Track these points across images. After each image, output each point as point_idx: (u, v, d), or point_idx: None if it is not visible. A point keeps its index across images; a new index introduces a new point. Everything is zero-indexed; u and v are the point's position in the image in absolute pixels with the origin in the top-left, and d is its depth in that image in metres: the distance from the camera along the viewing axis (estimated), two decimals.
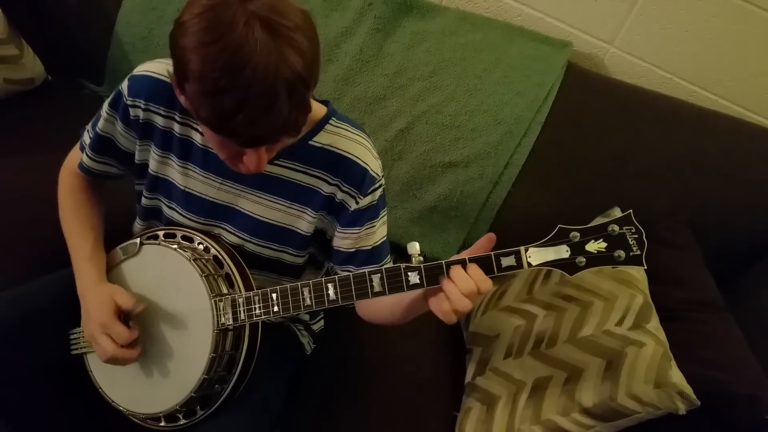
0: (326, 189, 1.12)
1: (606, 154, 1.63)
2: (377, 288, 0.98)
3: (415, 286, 0.97)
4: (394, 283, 0.97)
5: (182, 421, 1.13)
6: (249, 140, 0.91)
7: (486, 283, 0.93)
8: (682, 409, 1.12)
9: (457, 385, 1.48)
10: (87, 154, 1.19)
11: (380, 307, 1.14)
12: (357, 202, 1.12)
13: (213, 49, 0.83)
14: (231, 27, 0.82)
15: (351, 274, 1.00)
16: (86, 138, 1.20)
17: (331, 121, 1.12)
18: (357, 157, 1.10)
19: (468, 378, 1.46)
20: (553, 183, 1.68)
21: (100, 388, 1.20)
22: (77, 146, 1.23)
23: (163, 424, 1.15)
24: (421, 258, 0.97)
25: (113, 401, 1.18)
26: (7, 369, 1.14)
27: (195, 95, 0.87)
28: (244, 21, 0.82)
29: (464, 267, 0.94)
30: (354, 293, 1.00)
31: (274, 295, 1.06)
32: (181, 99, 0.93)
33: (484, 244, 0.95)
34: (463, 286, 0.92)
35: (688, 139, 1.59)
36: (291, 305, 1.05)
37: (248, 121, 0.86)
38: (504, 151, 1.65)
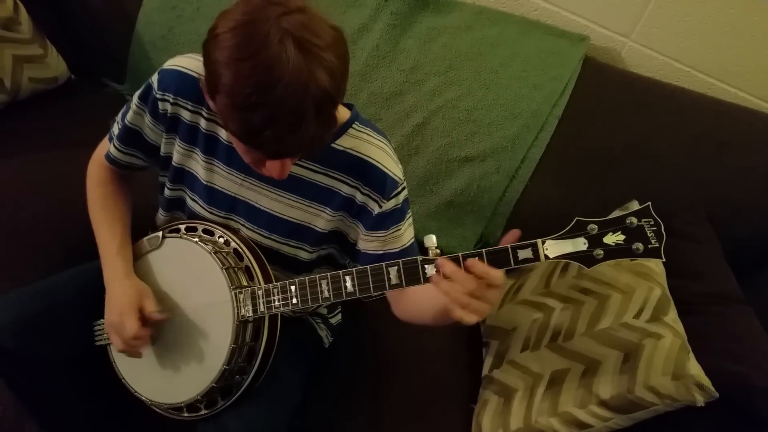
0: (346, 191, 1.13)
1: (624, 148, 1.63)
2: (394, 281, 0.99)
3: None
4: (411, 275, 0.98)
5: (203, 411, 1.15)
6: (274, 153, 0.93)
7: (495, 277, 0.91)
8: (700, 401, 1.11)
9: (474, 378, 1.49)
10: (114, 145, 1.21)
11: (420, 307, 1.14)
12: (380, 206, 1.12)
13: (246, 66, 0.83)
14: (265, 44, 0.83)
15: (368, 266, 1.01)
16: (115, 129, 1.21)
17: (354, 125, 1.13)
18: (378, 162, 1.11)
19: (485, 371, 1.46)
20: (570, 177, 1.67)
21: (123, 378, 1.22)
22: (106, 138, 1.25)
23: (185, 413, 1.17)
24: (438, 251, 0.97)
25: (136, 391, 1.21)
26: (33, 360, 1.17)
27: (225, 108, 0.88)
28: (278, 39, 0.83)
29: (481, 259, 0.94)
30: (371, 285, 1.01)
31: (293, 287, 1.08)
32: (211, 104, 0.94)
33: (509, 239, 0.95)
34: (458, 280, 0.92)
35: (706, 132, 1.58)
36: (309, 297, 1.06)
37: (275, 137, 0.87)
38: (521, 146, 1.66)
